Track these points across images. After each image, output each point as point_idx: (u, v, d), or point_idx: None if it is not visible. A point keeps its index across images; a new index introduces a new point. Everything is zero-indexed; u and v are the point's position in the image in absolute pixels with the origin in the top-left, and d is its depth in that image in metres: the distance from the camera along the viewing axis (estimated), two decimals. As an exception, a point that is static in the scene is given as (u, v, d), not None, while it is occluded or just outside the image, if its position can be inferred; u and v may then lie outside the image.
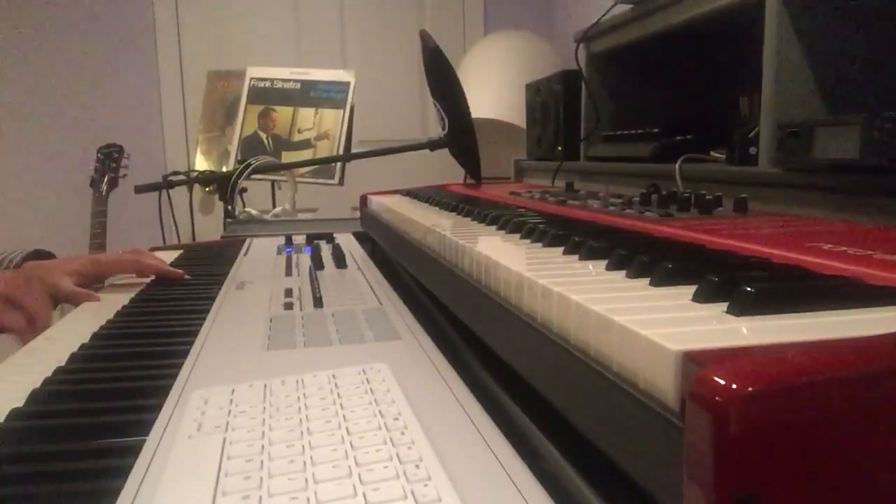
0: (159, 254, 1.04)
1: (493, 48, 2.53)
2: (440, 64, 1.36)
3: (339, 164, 2.01)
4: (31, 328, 0.79)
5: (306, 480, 0.34)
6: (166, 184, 1.72)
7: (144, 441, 0.41)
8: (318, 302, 0.73)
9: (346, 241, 1.19)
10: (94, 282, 0.93)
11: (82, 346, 0.62)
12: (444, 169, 2.03)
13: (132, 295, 0.84)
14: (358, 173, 2.13)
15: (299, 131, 2.09)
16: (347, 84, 2.08)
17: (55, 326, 0.74)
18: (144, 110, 2.89)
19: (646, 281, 0.37)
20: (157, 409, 0.46)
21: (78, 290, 0.86)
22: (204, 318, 0.69)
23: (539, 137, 1.53)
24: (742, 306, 0.29)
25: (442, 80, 1.38)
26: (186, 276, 0.94)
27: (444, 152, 1.52)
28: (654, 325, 0.28)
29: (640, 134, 1.07)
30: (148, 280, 0.94)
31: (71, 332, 0.70)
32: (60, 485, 0.38)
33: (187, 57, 2.89)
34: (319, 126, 2.08)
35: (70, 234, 2.37)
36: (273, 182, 2.16)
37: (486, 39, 2.69)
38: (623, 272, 0.40)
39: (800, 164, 0.66)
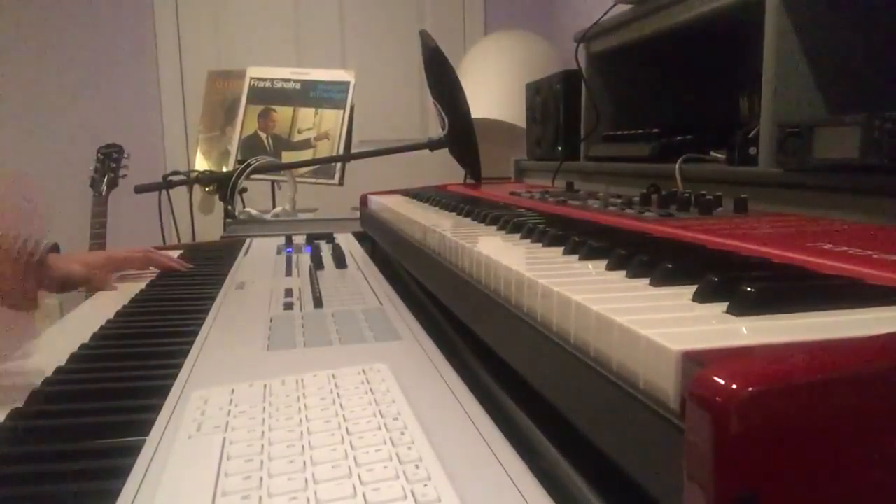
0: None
1: (493, 48, 2.53)
2: (440, 64, 1.36)
3: (339, 164, 2.01)
4: None
5: (306, 480, 0.34)
6: (166, 184, 1.71)
7: (144, 441, 0.41)
8: (318, 302, 0.73)
9: (346, 241, 1.19)
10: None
11: (82, 346, 0.62)
12: (444, 169, 2.03)
13: (132, 295, 0.84)
14: (358, 173, 2.13)
15: (299, 131, 2.09)
16: (347, 84, 2.08)
17: (55, 326, 0.74)
18: (144, 110, 2.89)
19: (646, 281, 0.37)
20: (157, 409, 0.46)
21: (94, 274, 0.89)
22: (204, 318, 0.69)
23: (539, 137, 1.53)
24: (742, 306, 0.29)
25: (442, 80, 1.38)
26: (188, 266, 1.01)
27: (444, 152, 1.52)
28: (655, 325, 0.28)
29: (640, 134, 1.07)
30: (153, 276, 0.96)
31: (71, 331, 0.70)
32: (61, 485, 0.38)
33: (187, 57, 2.89)
34: (319, 126, 2.08)
35: (70, 234, 2.35)
36: (273, 182, 2.16)
37: (486, 39, 2.69)
38: (623, 272, 0.40)
39: (800, 164, 0.66)
